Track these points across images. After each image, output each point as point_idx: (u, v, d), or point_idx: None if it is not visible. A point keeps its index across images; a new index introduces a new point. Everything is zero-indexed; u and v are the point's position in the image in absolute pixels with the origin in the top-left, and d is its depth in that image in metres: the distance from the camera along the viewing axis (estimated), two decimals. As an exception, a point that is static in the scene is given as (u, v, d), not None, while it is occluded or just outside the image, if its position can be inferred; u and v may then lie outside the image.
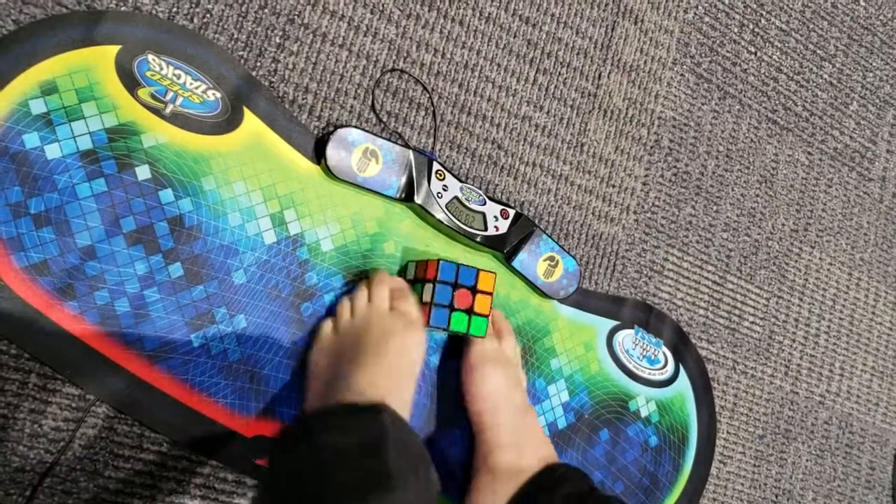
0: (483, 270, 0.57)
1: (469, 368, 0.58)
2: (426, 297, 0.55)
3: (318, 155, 0.56)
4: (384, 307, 0.54)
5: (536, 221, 0.66)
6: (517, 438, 0.56)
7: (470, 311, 0.56)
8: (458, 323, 0.56)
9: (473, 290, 0.56)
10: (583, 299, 0.68)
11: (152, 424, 0.51)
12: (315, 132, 0.57)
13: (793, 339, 0.82)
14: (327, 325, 0.55)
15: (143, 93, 0.50)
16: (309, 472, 0.39)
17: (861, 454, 0.86)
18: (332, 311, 0.56)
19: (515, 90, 0.67)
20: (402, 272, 0.60)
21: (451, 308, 0.55)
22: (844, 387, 0.85)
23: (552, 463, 0.55)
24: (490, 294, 0.57)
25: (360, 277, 0.58)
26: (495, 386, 0.57)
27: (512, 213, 0.62)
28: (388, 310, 0.54)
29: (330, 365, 0.52)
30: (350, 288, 0.57)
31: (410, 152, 0.57)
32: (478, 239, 0.59)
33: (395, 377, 0.49)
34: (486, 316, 0.57)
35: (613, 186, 0.71)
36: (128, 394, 0.49)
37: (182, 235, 0.51)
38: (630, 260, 0.72)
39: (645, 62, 0.74)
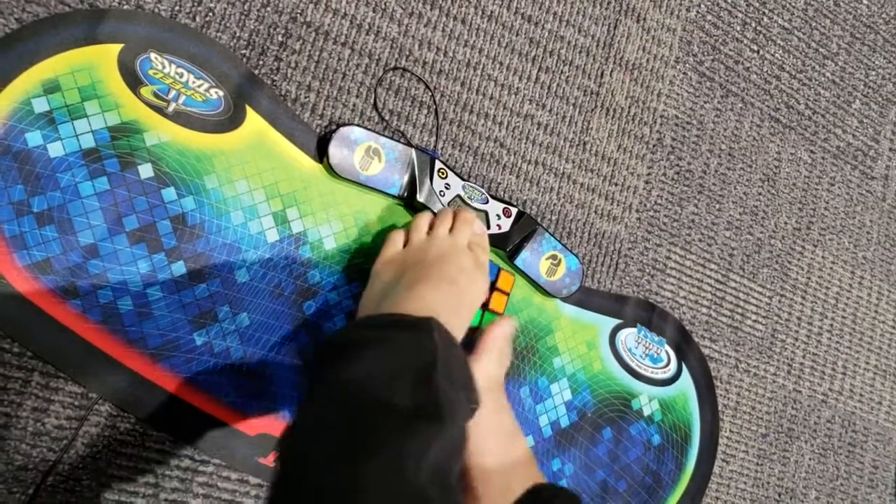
0: (504, 269, 0.56)
1: None
2: None
3: (321, 153, 0.56)
4: (463, 243, 0.52)
5: (539, 220, 0.66)
6: (505, 465, 0.51)
7: (485, 307, 0.55)
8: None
9: (492, 287, 0.56)
10: (585, 298, 0.68)
11: (155, 423, 0.51)
12: (317, 130, 0.57)
13: (795, 337, 0.82)
14: (398, 237, 0.53)
15: (146, 91, 0.50)
16: (353, 392, 0.36)
17: (864, 453, 0.86)
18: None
19: (518, 88, 0.67)
20: None
21: None
22: (847, 385, 0.85)
23: (538, 483, 0.51)
24: (507, 294, 0.56)
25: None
26: (483, 414, 0.48)
27: (514, 211, 0.61)
28: (466, 248, 0.52)
29: (391, 277, 0.50)
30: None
31: (413, 151, 0.57)
32: (480, 237, 0.59)
33: (454, 308, 0.47)
34: (499, 315, 0.56)
35: (616, 185, 0.71)
36: (130, 392, 0.49)
37: (185, 234, 0.51)
38: (632, 258, 0.72)
39: (647, 60, 0.74)
